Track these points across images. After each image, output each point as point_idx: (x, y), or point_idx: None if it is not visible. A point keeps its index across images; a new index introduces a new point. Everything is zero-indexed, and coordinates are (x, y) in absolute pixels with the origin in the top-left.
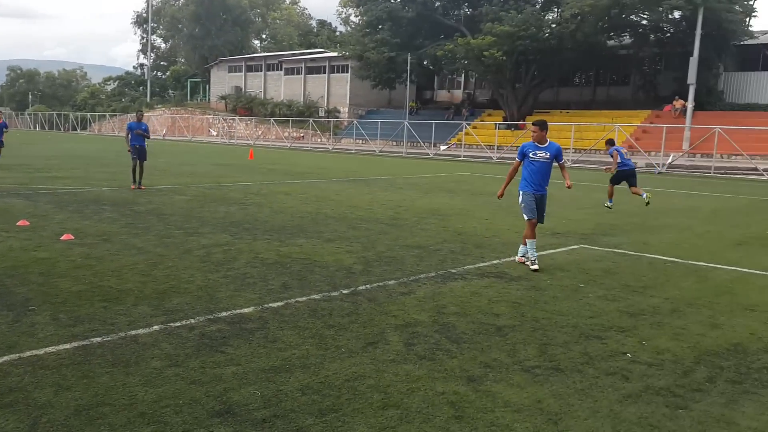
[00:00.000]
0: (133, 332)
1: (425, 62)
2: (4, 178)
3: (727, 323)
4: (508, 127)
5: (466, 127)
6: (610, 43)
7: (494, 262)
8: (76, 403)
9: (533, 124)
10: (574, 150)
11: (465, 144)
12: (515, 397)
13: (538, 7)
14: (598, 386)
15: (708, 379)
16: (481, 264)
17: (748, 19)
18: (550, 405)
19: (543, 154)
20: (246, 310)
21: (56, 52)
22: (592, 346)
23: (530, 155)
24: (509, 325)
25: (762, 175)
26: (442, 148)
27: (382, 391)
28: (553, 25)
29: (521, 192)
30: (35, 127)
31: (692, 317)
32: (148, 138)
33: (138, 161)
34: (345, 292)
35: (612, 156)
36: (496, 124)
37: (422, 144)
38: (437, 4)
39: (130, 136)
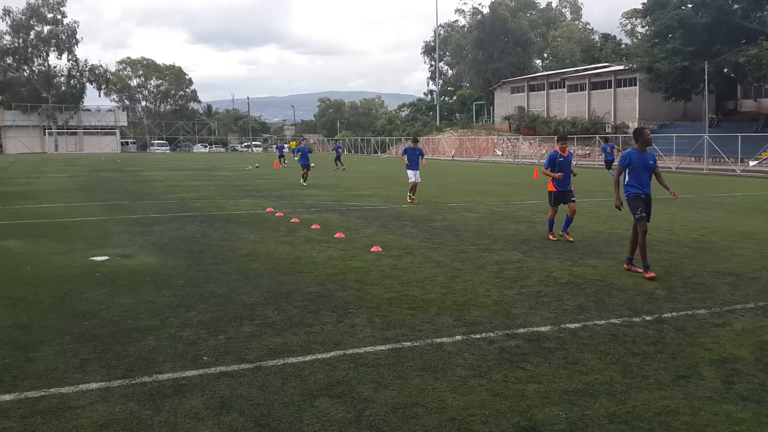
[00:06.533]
0: (438, 340)
1: (725, 70)
2: (322, 195)
3: None
4: None
5: None
6: None
7: None
8: (393, 401)
9: None
10: None
11: None
12: None
13: None
14: None
15: None
16: None
17: None
18: None
19: None
20: (543, 329)
21: (358, 83)
22: None
23: None
24: None
25: None
26: (752, 163)
27: (699, 430)
28: None
29: None
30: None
31: None
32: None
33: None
34: (648, 318)
35: None
36: None
37: (726, 159)
38: (735, 6)
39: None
